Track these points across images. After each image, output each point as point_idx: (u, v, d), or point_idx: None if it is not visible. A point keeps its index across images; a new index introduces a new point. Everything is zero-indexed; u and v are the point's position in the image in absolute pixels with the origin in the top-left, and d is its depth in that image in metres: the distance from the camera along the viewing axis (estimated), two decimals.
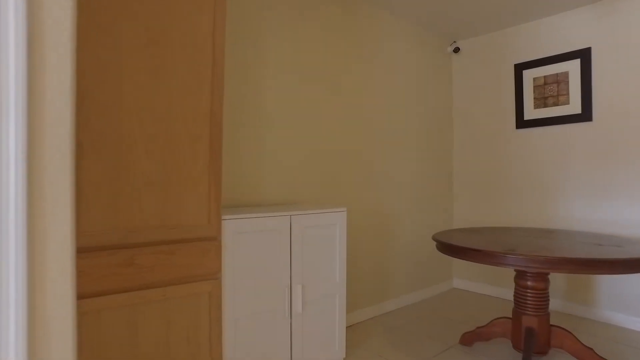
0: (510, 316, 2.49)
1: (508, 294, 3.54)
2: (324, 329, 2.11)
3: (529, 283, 2.27)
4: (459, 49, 3.85)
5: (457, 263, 3.92)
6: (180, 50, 1.46)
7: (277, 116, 2.50)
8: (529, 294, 2.27)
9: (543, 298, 2.26)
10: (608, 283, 3.03)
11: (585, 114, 3.09)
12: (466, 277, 3.85)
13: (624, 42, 2.94)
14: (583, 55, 3.08)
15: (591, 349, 2.24)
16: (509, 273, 3.56)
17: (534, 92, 3.34)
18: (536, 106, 3.34)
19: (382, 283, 3.20)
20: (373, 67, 3.09)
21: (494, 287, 3.65)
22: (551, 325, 2.30)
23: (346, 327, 2.85)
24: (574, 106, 3.14)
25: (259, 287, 1.80)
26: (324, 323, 2.10)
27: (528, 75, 3.38)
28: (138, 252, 1.32)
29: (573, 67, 3.13)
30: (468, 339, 2.56)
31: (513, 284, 3.50)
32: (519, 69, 3.42)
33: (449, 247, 2.21)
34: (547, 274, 2.28)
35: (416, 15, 3.29)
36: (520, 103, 3.43)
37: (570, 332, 2.27)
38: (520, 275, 2.30)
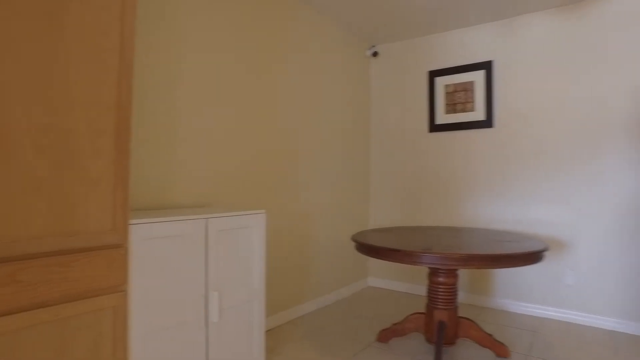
0: (424, 311, 2.61)
1: (420, 289, 3.73)
2: (241, 336, 2.01)
3: (440, 279, 2.39)
4: (378, 53, 3.97)
5: (373, 262, 4.05)
6: (81, 32, 1.27)
7: (192, 114, 2.34)
8: (440, 290, 2.39)
9: (453, 292, 2.40)
10: (503, 275, 3.34)
11: (488, 121, 3.36)
12: (381, 276, 3.99)
13: (520, 57, 3.25)
14: (486, 67, 3.35)
15: (491, 335, 2.44)
16: (422, 269, 3.75)
17: (445, 98, 3.56)
18: (447, 112, 3.56)
19: (301, 285, 3.18)
20: (292, 65, 3.05)
21: (407, 284, 3.82)
22: (458, 317, 2.45)
23: (265, 332, 2.78)
24: (479, 113, 3.40)
25: (171, 297, 1.66)
26: (241, 330, 2.01)
27: (440, 82, 3.59)
28: (22, 267, 1.12)
29: (478, 78, 3.39)
30: (385, 336, 2.63)
31: (425, 280, 3.70)
32: (432, 75, 3.62)
33: (368, 248, 2.24)
34: (457, 270, 2.43)
35: (338, 16, 3.32)
36: (432, 108, 3.63)
37: (474, 322, 2.45)
38: (433, 272, 2.42)
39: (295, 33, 3.04)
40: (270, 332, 2.79)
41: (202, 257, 1.78)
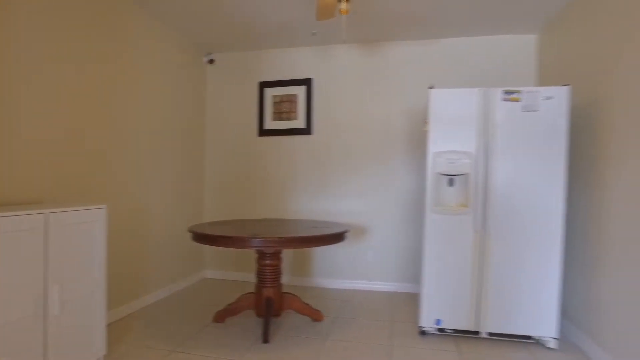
0: (254, 291, 3.02)
1: (251, 277, 4.16)
2: (83, 328, 2.08)
3: (267, 261, 2.84)
4: (214, 61, 4.25)
5: (208, 255, 4.31)
6: None
7: (28, 114, 2.25)
8: (267, 270, 2.84)
9: (277, 272, 2.88)
10: (319, 257, 4.02)
11: (308, 129, 4.00)
12: (216, 267, 4.29)
13: (334, 78, 3.98)
14: (307, 83, 3.99)
15: (309, 304, 3.01)
16: (253, 259, 4.18)
17: (273, 107, 4.08)
18: (274, 119, 4.08)
19: (141, 278, 3.25)
20: (128, 68, 3.11)
21: (240, 273, 4.21)
22: (283, 293, 2.94)
23: (108, 325, 2.80)
24: (301, 122, 4.02)
25: (7, 295, 1.67)
26: (83, 322, 2.08)
27: (269, 92, 4.09)
28: None
29: (301, 91, 4.01)
30: (220, 317, 2.95)
31: (255, 269, 4.14)
32: (263, 86, 4.10)
33: (205, 237, 2.54)
34: (281, 252, 2.91)
35: (175, 23, 3.49)
36: (262, 115, 4.11)
37: (296, 296, 2.98)
38: (261, 256, 2.85)
39: (131, 37, 3.10)
40: (111, 325, 2.83)
41: (41, 252, 1.82)
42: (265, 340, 2.61)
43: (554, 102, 2.51)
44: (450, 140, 2.65)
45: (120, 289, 3.03)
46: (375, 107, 3.90)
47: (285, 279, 4.10)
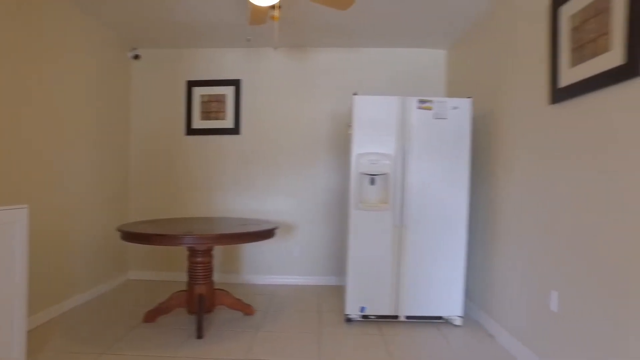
0: (185, 289, 3.03)
1: (179, 276, 4.13)
2: (1, 336, 1.98)
3: (199, 259, 2.88)
4: (140, 56, 4.13)
5: (133, 256, 4.18)
6: None
7: None
8: (199, 268, 2.88)
9: (209, 269, 2.93)
10: (248, 255, 4.12)
11: (236, 129, 4.07)
12: (142, 268, 4.18)
13: (262, 80, 4.10)
14: (236, 84, 4.06)
15: (240, 299, 3.10)
16: (181, 258, 4.14)
17: (201, 106, 4.08)
18: (202, 118, 4.09)
19: (62, 282, 3.10)
20: (45, 58, 2.95)
21: (167, 273, 4.15)
22: (214, 289, 3.00)
23: (28, 331, 2.63)
24: (229, 122, 4.07)
25: None
26: (1, 329, 1.98)
27: (197, 92, 4.08)
28: None
29: (229, 92, 4.06)
30: (151, 316, 2.93)
31: (184, 268, 4.11)
32: (191, 85, 4.08)
33: (135, 236, 2.52)
34: (212, 249, 2.97)
35: (97, 13, 3.36)
36: (190, 114, 4.09)
37: (227, 292, 3.06)
38: (192, 254, 2.89)
39: (48, 27, 2.94)
40: (32, 332, 2.67)
41: None
42: (200, 335, 2.66)
43: (460, 111, 2.89)
44: (372, 143, 2.91)
45: (39, 293, 2.86)
46: (302, 109, 4.09)
47: (215, 277, 4.12)
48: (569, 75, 2.06)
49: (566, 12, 2.09)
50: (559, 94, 2.14)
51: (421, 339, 2.73)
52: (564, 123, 2.12)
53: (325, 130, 4.08)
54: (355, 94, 2.92)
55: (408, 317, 2.99)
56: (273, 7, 2.67)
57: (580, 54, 1.97)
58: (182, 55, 4.14)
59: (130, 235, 2.55)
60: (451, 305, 2.96)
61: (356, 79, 4.06)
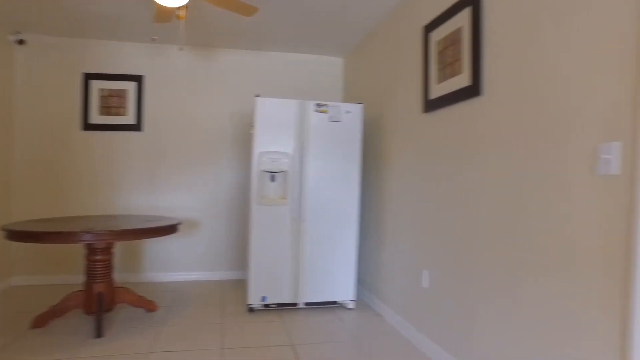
0: (82, 289, 2.93)
1: (72, 279, 3.92)
2: None
3: (98, 257, 2.83)
4: (25, 41, 3.83)
5: (17, 261, 3.87)
6: None
7: None
8: (98, 266, 2.83)
9: (109, 267, 2.89)
10: (151, 253, 4.07)
11: (138, 125, 3.99)
12: (27, 273, 3.88)
13: (167, 77, 4.07)
14: (138, 80, 3.98)
15: (142, 296, 3.10)
16: (75, 259, 3.94)
17: (100, 101, 3.92)
18: (101, 113, 3.93)
19: None
20: None
21: (59, 276, 3.92)
22: (115, 287, 2.97)
23: None
24: (131, 118, 3.98)
25: None
26: None
27: (95, 85, 3.92)
28: None
29: (131, 87, 3.97)
30: (41, 321, 2.79)
31: (78, 269, 3.92)
32: (87, 78, 3.90)
33: (25, 235, 2.41)
34: (112, 246, 2.93)
35: None
36: (86, 108, 3.91)
37: (128, 289, 3.04)
38: (91, 252, 2.82)
39: None
40: None
41: None
42: (99, 334, 2.63)
43: (352, 115, 3.23)
44: (272, 142, 3.12)
45: None
46: (207, 108, 4.15)
47: (116, 277, 3.97)
48: (436, 90, 2.47)
49: (434, 37, 2.50)
50: (430, 105, 2.55)
51: (318, 322, 3.01)
52: (432, 129, 2.54)
53: (229, 129, 4.19)
54: (257, 96, 3.10)
55: (307, 304, 3.25)
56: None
57: (444, 73, 2.38)
58: (78, 45, 3.94)
59: (20, 235, 2.43)
60: (345, 291, 3.29)
61: (260, 81, 4.24)
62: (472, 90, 2.08)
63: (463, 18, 2.17)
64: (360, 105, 3.25)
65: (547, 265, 1.61)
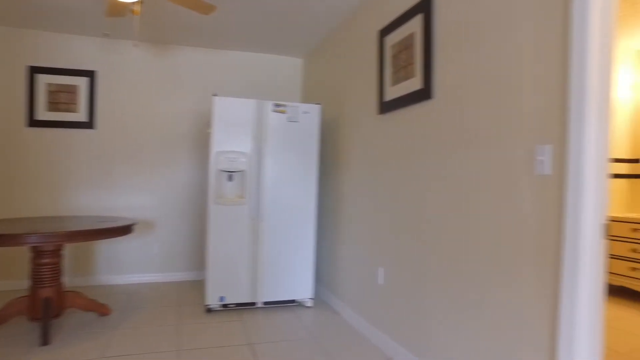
0: (27, 294, 2.78)
1: (13, 284, 3.72)
2: None
3: (45, 260, 2.71)
4: None
5: None
6: None
7: None
8: (45, 270, 2.71)
9: (58, 271, 2.78)
10: (104, 255, 3.94)
11: (90, 123, 3.84)
12: None
13: (121, 73, 3.94)
14: (90, 76, 3.82)
15: (94, 300, 3.00)
16: (18, 264, 3.74)
17: (48, 96, 3.74)
18: (49, 109, 3.75)
19: None
20: None
21: (2, 281, 3.70)
22: (64, 291, 2.85)
23: None
24: (82, 115, 3.82)
25: None
26: None
27: (42, 79, 3.73)
28: None
29: (82, 83, 3.81)
30: None
31: (23, 274, 3.73)
32: (33, 71, 3.70)
33: None
34: (61, 249, 2.81)
35: None
36: (32, 103, 3.71)
37: (78, 292, 2.93)
38: (37, 255, 2.70)
39: None
40: None
41: None
42: (45, 342, 2.51)
43: (310, 116, 3.27)
44: (230, 142, 3.11)
45: None
46: (164, 106, 4.06)
47: (66, 281, 3.82)
48: (391, 92, 2.55)
49: (389, 41, 2.58)
50: (384, 107, 2.63)
51: (277, 320, 3.03)
52: (387, 130, 2.62)
53: (187, 128, 4.12)
54: (215, 95, 3.07)
55: (265, 303, 3.26)
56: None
57: (397, 76, 2.46)
58: (22, 35, 3.73)
59: None
60: (303, 289, 3.33)
61: (218, 80, 4.19)
62: (424, 94, 2.17)
63: (415, 24, 2.26)
64: (318, 105, 3.29)
65: (492, 263, 1.71)
